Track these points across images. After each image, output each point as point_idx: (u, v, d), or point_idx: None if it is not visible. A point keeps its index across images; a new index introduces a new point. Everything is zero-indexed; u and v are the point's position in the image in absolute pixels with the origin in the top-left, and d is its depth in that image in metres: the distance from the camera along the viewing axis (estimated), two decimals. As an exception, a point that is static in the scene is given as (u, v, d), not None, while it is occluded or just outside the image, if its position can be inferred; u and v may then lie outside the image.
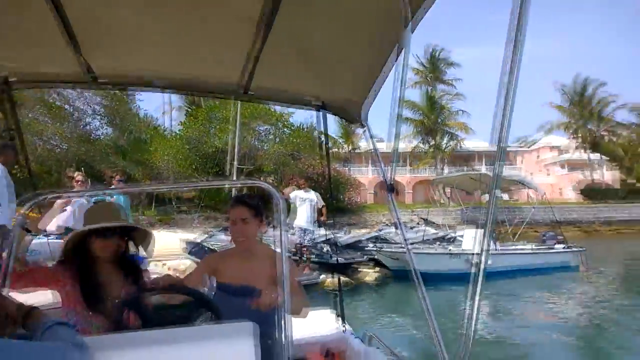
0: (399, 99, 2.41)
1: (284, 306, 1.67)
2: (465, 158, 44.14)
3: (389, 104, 2.40)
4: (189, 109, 34.88)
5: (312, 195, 9.90)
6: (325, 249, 12.22)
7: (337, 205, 28.86)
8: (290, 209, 9.70)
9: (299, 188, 10.05)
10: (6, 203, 5.06)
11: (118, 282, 2.23)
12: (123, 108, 28.41)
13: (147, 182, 24.41)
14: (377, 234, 16.40)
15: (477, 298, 1.54)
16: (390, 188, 2.63)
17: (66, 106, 26.24)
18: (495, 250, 13.59)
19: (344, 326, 3.45)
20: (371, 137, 2.91)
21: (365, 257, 13.41)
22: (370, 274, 13.30)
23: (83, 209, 6.59)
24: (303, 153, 28.30)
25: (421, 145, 41.64)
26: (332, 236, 13.24)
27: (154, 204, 26.66)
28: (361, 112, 2.84)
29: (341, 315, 3.58)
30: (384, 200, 38.42)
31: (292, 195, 9.81)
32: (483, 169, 35.86)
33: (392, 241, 14.60)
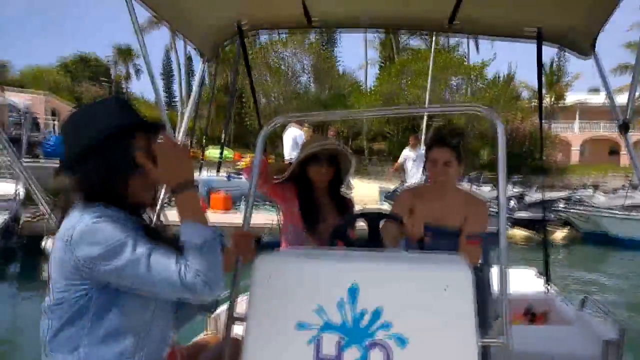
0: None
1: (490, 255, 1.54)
2: None
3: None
4: (383, 64, 35.08)
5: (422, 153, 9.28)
6: (511, 205, 12.11)
7: (533, 164, 25.74)
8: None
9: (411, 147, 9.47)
10: None
11: (330, 208, 2.38)
12: (327, 65, 30.22)
13: (345, 133, 25.83)
14: (569, 194, 15.10)
15: None
16: (625, 126, 2.14)
17: (282, 66, 29.30)
18: None
19: (548, 286, 3.18)
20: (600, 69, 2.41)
21: (553, 215, 12.49)
22: (558, 233, 12.41)
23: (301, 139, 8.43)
24: (497, 107, 25.76)
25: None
26: (520, 193, 13.03)
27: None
28: (595, 43, 2.39)
29: (546, 275, 3.29)
30: (592, 160, 32.64)
31: (401, 156, 9.51)
32: None
33: (587, 203, 13.31)
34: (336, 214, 2.35)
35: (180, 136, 2.71)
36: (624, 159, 31.36)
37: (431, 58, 12.50)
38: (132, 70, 46.19)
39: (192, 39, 2.61)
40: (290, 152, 8.57)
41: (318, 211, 2.35)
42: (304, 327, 1.22)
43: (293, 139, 8.52)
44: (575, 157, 33.89)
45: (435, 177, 2.20)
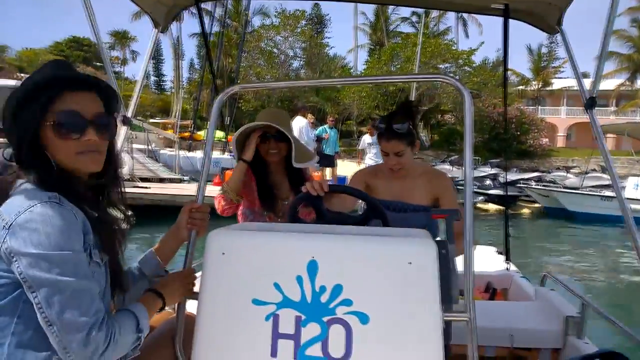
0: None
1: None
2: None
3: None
4: (373, 48, 34.55)
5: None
6: (487, 183, 13.70)
7: (518, 148, 25.58)
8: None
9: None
10: None
11: (286, 185, 2.27)
12: (317, 50, 29.71)
13: (335, 116, 25.56)
14: (540, 174, 16.17)
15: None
16: (591, 103, 2.00)
17: (275, 50, 28.76)
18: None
19: (508, 264, 3.18)
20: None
21: (520, 192, 13.97)
22: (526, 209, 14.13)
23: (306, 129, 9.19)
24: (484, 92, 25.46)
25: (629, 83, 32.92)
26: (494, 173, 14.34)
27: (339, 138, 28.00)
28: (561, 19, 2.26)
29: (506, 253, 3.29)
30: (577, 144, 32.55)
31: (361, 143, 10.47)
32: None
33: (561, 184, 14.27)
34: (292, 190, 2.24)
35: (130, 111, 2.52)
36: (610, 143, 31.30)
37: (419, 41, 12.21)
38: (128, 55, 45.48)
39: (144, 6, 2.40)
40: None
41: (273, 189, 2.24)
42: (260, 304, 1.15)
43: (299, 129, 8.77)
44: (561, 141, 33.80)
45: (390, 166, 2.10)
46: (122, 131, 2.48)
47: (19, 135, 1.04)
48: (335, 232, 1.25)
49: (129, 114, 2.51)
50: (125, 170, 10.98)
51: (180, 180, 12.81)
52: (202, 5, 2.67)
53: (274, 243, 1.18)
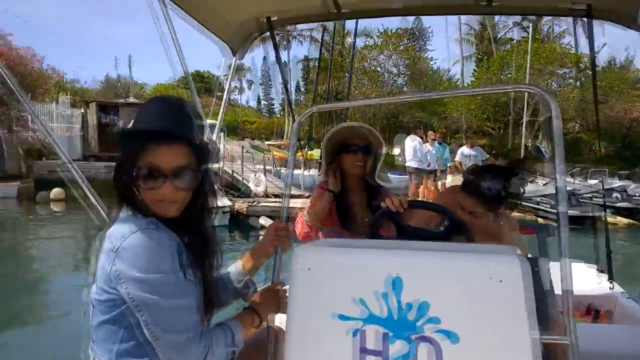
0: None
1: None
2: None
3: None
4: (481, 58, 32.98)
5: (476, 151, 10.44)
6: (615, 196, 12.91)
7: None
8: None
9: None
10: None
11: (364, 203, 2.20)
12: (421, 66, 29.47)
13: (443, 130, 24.84)
14: None
15: None
16: None
17: (378, 69, 29.29)
18: None
19: (611, 284, 2.89)
20: None
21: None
22: None
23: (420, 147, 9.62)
24: (612, 96, 22.53)
25: None
26: (622, 186, 13.39)
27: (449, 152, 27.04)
28: None
29: (609, 272, 3.00)
30: None
31: (458, 155, 10.51)
32: None
33: None
34: (372, 209, 2.10)
35: (215, 135, 2.64)
36: None
37: (529, 48, 11.58)
38: (244, 84, 50.40)
39: (221, 35, 2.52)
40: (411, 158, 9.59)
41: (352, 207, 2.18)
42: (346, 319, 1.16)
43: (413, 148, 9.33)
44: None
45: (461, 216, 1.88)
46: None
47: (116, 170, 1.18)
48: (418, 248, 1.24)
49: (214, 137, 2.63)
50: (261, 188, 12.69)
51: (308, 196, 13.86)
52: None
53: (359, 259, 1.19)
